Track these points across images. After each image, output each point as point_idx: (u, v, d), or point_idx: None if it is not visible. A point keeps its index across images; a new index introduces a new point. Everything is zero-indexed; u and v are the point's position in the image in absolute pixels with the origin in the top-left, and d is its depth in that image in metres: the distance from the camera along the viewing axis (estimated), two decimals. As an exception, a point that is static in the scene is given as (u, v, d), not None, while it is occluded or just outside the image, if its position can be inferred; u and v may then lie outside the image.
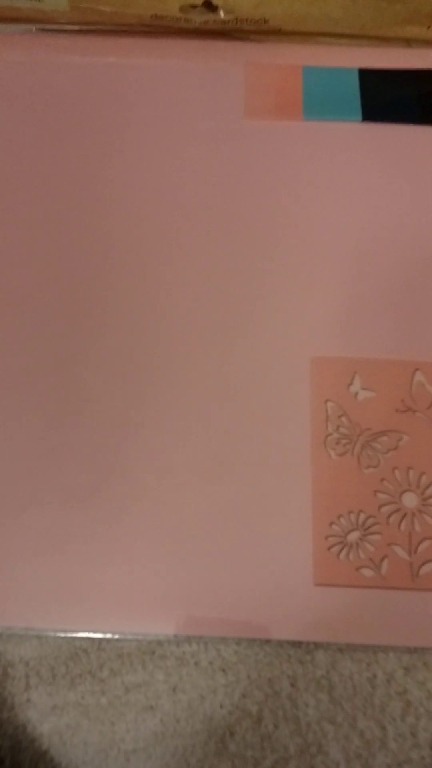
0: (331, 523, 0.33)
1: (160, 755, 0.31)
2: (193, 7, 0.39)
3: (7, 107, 0.40)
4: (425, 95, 0.39)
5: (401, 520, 0.33)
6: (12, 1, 0.39)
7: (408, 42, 0.41)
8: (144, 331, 0.36)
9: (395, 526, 0.33)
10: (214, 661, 0.32)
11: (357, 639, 0.32)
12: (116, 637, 0.32)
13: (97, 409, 0.35)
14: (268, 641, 0.32)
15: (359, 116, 0.39)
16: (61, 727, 0.31)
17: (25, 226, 0.38)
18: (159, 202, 0.38)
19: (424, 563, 0.32)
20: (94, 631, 0.32)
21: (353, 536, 0.33)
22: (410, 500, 0.33)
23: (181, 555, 0.33)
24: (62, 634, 0.32)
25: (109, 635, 0.32)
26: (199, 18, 0.39)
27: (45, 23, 0.41)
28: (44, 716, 0.32)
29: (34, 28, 0.41)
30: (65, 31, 0.41)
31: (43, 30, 0.41)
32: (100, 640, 0.32)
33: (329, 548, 0.32)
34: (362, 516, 0.33)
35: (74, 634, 0.32)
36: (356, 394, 0.35)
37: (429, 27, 0.39)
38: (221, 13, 0.39)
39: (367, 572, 0.32)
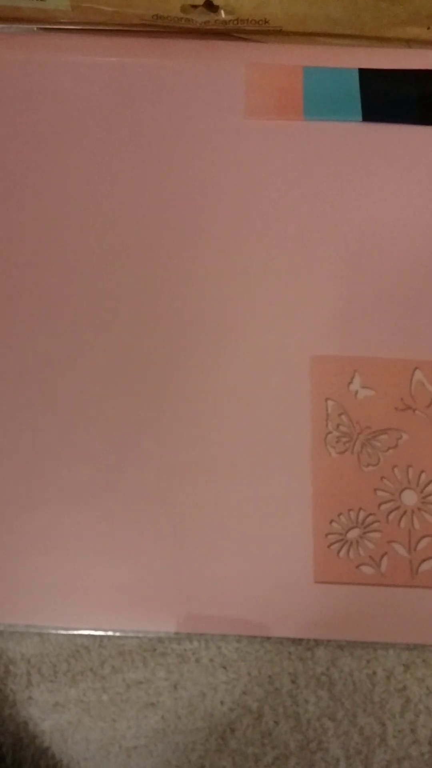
0: (331, 521, 0.33)
1: (161, 752, 0.31)
2: (194, 7, 0.39)
3: (8, 106, 0.40)
4: (425, 95, 0.40)
5: (401, 518, 0.33)
6: (14, 0, 0.39)
7: (408, 42, 0.41)
8: (145, 331, 0.36)
9: (395, 523, 0.33)
10: (215, 658, 0.32)
11: (357, 636, 0.32)
12: (117, 634, 0.32)
13: (97, 407, 0.35)
14: (268, 638, 0.32)
15: (359, 116, 0.39)
16: (62, 724, 0.32)
17: (26, 225, 0.38)
18: (160, 201, 0.38)
19: (423, 561, 0.32)
20: (96, 629, 0.32)
21: (353, 534, 0.33)
22: (410, 498, 0.33)
23: (181, 553, 0.33)
24: (63, 632, 0.32)
25: (110, 632, 0.32)
26: (200, 18, 0.39)
27: (46, 23, 0.41)
28: (46, 713, 0.32)
29: (35, 28, 0.41)
30: (67, 31, 0.41)
31: (44, 29, 0.41)
32: (101, 637, 0.32)
33: (329, 546, 0.33)
34: (362, 514, 0.33)
35: (75, 632, 0.32)
36: (356, 392, 0.35)
37: (429, 27, 0.40)
38: (222, 14, 0.39)
39: (367, 570, 0.32)
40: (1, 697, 0.32)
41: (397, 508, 0.33)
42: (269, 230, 0.38)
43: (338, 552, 0.33)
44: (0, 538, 0.33)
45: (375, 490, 0.33)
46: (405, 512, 0.33)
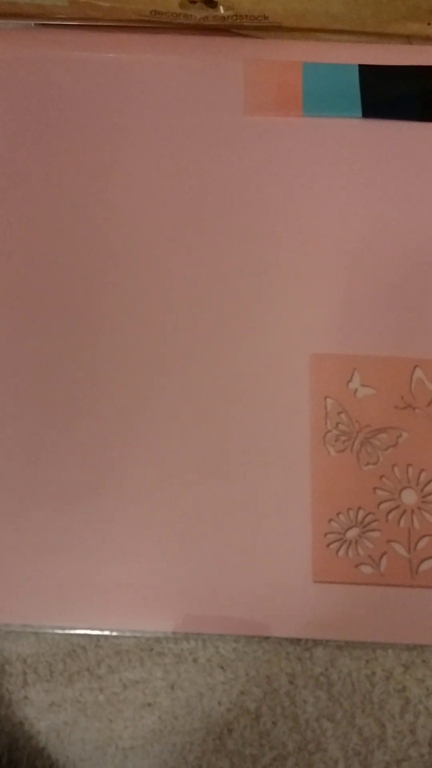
0: (330, 520, 0.33)
1: (158, 752, 0.31)
2: (193, 2, 0.38)
3: (6, 102, 0.40)
4: (425, 92, 0.39)
5: (400, 517, 0.33)
6: (11, -4, 0.39)
7: (408, 38, 0.40)
8: (142, 329, 0.36)
9: (394, 523, 0.33)
10: (213, 658, 0.32)
11: (356, 636, 0.32)
12: (114, 634, 0.32)
13: (95, 407, 0.35)
14: (266, 638, 0.32)
15: (359, 113, 0.39)
16: (58, 724, 0.31)
17: (24, 221, 0.38)
18: (158, 197, 0.38)
19: (423, 560, 0.32)
20: (92, 628, 0.32)
21: (352, 533, 0.33)
22: (409, 497, 0.33)
23: (179, 552, 0.32)
24: (60, 631, 0.32)
25: (107, 632, 0.32)
26: (198, 14, 0.39)
27: (44, 19, 0.41)
28: (42, 713, 0.31)
29: (33, 24, 0.41)
30: (64, 27, 0.41)
31: (42, 25, 0.41)
32: (98, 637, 0.32)
33: (328, 545, 0.32)
34: (361, 513, 0.33)
35: (72, 631, 0.32)
36: (355, 391, 0.35)
37: (429, 23, 0.39)
38: (221, 9, 0.39)
39: (366, 569, 0.32)
40: (-3, 697, 0.32)
41: (397, 507, 0.33)
42: (269, 228, 0.38)
43: (337, 551, 0.32)
44: (-4, 536, 0.33)
45: (374, 489, 0.33)
46: (404, 511, 0.33)
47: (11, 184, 0.38)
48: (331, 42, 0.41)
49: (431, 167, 0.39)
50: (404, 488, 0.33)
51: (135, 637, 0.32)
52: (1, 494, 0.33)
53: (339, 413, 0.34)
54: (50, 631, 0.32)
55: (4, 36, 0.41)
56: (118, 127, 0.39)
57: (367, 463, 0.33)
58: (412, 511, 0.33)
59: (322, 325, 0.36)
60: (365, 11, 0.39)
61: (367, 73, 0.40)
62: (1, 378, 0.35)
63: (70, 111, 0.40)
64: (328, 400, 0.34)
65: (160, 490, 0.33)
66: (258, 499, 0.33)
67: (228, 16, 0.39)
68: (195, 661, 0.32)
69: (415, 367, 0.35)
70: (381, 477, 0.33)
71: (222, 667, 0.32)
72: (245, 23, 0.40)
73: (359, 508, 0.33)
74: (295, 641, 0.32)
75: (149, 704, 0.31)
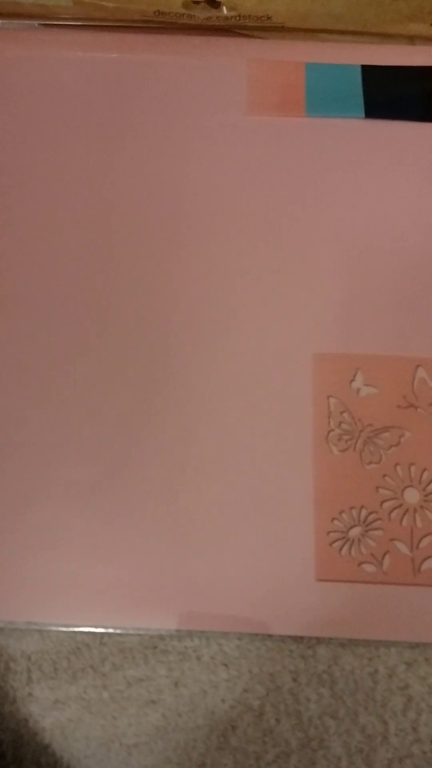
0: (333, 519, 0.33)
1: (162, 749, 0.31)
2: (197, 3, 0.39)
3: (9, 102, 0.40)
4: (428, 92, 0.39)
5: (403, 516, 0.33)
6: (15, -4, 0.39)
7: (411, 39, 0.41)
8: (145, 329, 0.36)
9: (397, 521, 0.33)
10: (216, 655, 0.32)
11: (359, 634, 0.32)
12: (118, 631, 0.32)
13: (99, 405, 0.35)
14: (269, 636, 0.32)
15: (362, 113, 0.39)
16: (62, 722, 0.32)
17: (27, 221, 0.38)
18: (161, 197, 0.38)
19: (425, 559, 0.32)
20: (96, 626, 0.32)
21: (355, 532, 0.33)
22: (412, 496, 0.33)
23: (183, 550, 0.33)
24: (64, 629, 0.32)
25: (110, 630, 0.32)
26: (202, 14, 0.39)
27: (48, 19, 0.41)
28: (46, 710, 0.32)
29: (36, 24, 0.41)
30: (68, 27, 0.41)
31: (45, 25, 0.41)
32: (101, 634, 0.32)
33: (331, 544, 0.33)
34: (364, 512, 0.33)
35: (76, 629, 0.32)
36: (358, 390, 0.35)
37: (432, 24, 0.39)
38: (224, 10, 0.39)
39: (369, 568, 0.32)
40: (2, 694, 0.32)
41: (400, 506, 0.33)
42: (271, 228, 0.38)
43: (340, 550, 0.32)
44: (0, 535, 0.33)
45: (377, 488, 0.33)
46: (407, 510, 0.33)
47: (15, 184, 0.38)
48: (334, 42, 0.41)
49: (434, 167, 0.39)
50: (407, 487, 0.33)
51: (139, 634, 0.32)
52: (5, 492, 0.33)
53: (342, 412, 0.34)
54: (54, 628, 0.32)
55: (8, 36, 0.41)
56: (122, 127, 0.39)
57: (370, 462, 0.34)
58: (415, 509, 0.33)
59: (325, 325, 0.36)
60: (368, 12, 0.39)
61: (370, 73, 0.40)
62: (2, 377, 0.35)
63: (73, 111, 0.40)
64: (331, 400, 0.35)
65: (164, 488, 0.33)
66: (261, 498, 0.33)
67: (231, 17, 0.39)
68: (198, 658, 0.32)
69: (418, 366, 0.35)
70: (384, 476, 0.33)
71: (225, 665, 0.32)
72: (248, 23, 0.40)
73: (362, 506, 0.33)
74: (298, 639, 0.32)
75: (153, 701, 0.32)
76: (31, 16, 0.41)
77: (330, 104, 0.40)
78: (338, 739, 0.31)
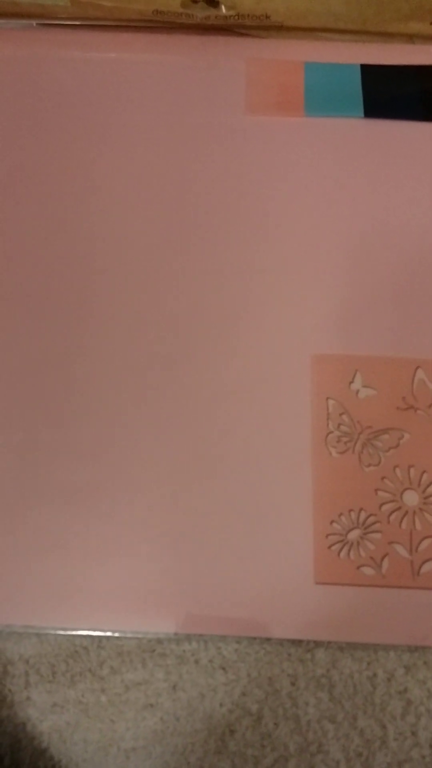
0: (332, 522, 0.33)
1: (160, 753, 0.31)
2: (195, 2, 0.38)
3: (7, 102, 0.40)
4: (428, 91, 0.39)
5: (402, 519, 0.33)
6: (12, -4, 0.39)
7: (410, 38, 0.40)
8: (145, 330, 0.36)
9: (396, 524, 0.33)
10: (215, 659, 0.32)
11: (357, 638, 0.32)
12: (116, 635, 0.32)
13: (96, 407, 0.35)
14: (268, 640, 0.32)
15: (361, 112, 0.39)
16: (60, 725, 0.31)
17: (26, 221, 0.38)
18: (159, 197, 0.38)
19: (424, 562, 0.32)
20: (94, 629, 0.32)
21: (354, 535, 0.33)
22: (411, 499, 0.33)
23: (181, 553, 0.32)
24: (62, 632, 0.32)
25: (109, 633, 0.32)
26: (200, 13, 0.39)
27: (46, 18, 0.41)
28: (44, 714, 0.32)
29: (34, 23, 0.41)
30: (66, 26, 0.41)
31: (43, 25, 0.41)
32: (100, 638, 0.32)
33: (330, 546, 0.32)
34: (363, 514, 0.33)
35: (74, 632, 0.32)
36: (357, 391, 0.34)
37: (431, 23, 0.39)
38: (223, 9, 0.39)
39: (368, 571, 0.32)
40: (0, 697, 0.32)
41: (399, 508, 0.33)
42: (270, 228, 0.37)
43: (339, 553, 0.32)
44: (-2, 538, 0.33)
45: (376, 490, 0.33)
46: (406, 513, 0.33)
47: (12, 183, 0.38)
48: (333, 41, 0.40)
49: (433, 167, 0.39)
50: (406, 489, 0.33)
51: (137, 638, 0.32)
52: (4, 495, 0.33)
53: (341, 414, 0.34)
54: (52, 632, 0.32)
55: (6, 35, 0.41)
56: (120, 127, 0.39)
57: (369, 465, 0.33)
58: (414, 512, 0.33)
59: (324, 326, 0.36)
60: (367, 11, 0.38)
61: (369, 72, 0.40)
62: (2, 378, 0.35)
63: (71, 110, 0.40)
64: (330, 401, 0.34)
65: (162, 491, 0.33)
66: (259, 501, 0.33)
67: (230, 16, 0.39)
68: (197, 662, 0.32)
69: (417, 368, 0.35)
70: (383, 478, 0.33)
71: (224, 669, 0.32)
72: (247, 23, 0.40)
73: (361, 509, 0.33)
74: (297, 642, 0.32)
75: (151, 705, 0.32)
76: (29, 16, 0.41)
77: (329, 104, 0.39)
78: (337, 744, 0.31)
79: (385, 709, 0.31)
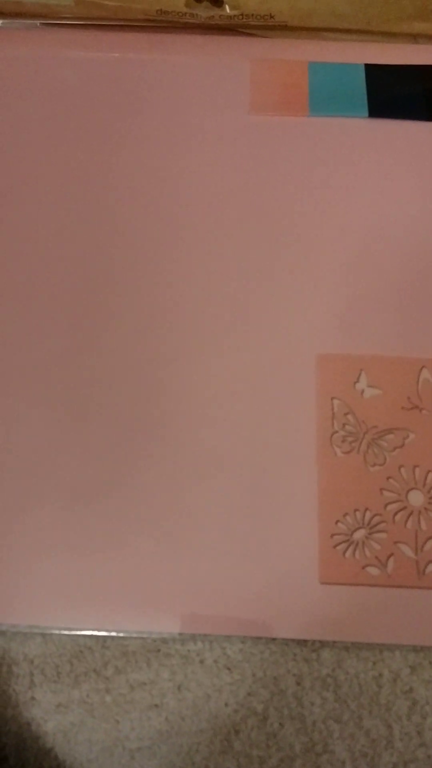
0: (337, 521, 0.33)
1: (165, 753, 0.31)
2: (199, 2, 0.38)
3: (11, 101, 0.40)
4: (432, 91, 0.39)
5: (407, 519, 0.33)
6: (16, -5, 0.39)
7: (415, 37, 0.40)
8: (148, 330, 0.36)
9: (401, 524, 0.33)
10: (219, 659, 0.32)
11: (363, 637, 0.32)
12: (121, 635, 0.32)
13: (101, 408, 0.35)
14: (273, 639, 0.32)
15: (365, 112, 0.39)
16: (65, 725, 0.31)
17: (28, 220, 0.38)
18: (164, 197, 0.38)
19: (430, 561, 0.32)
20: (99, 629, 0.32)
21: (359, 534, 0.33)
22: (416, 498, 0.33)
23: (186, 553, 0.32)
24: (67, 632, 0.32)
25: (113, 633, 0.32)
26: (204, 13, 0.39)
27: (49, 18, 0.41)
28: (49, 714, 0.31)
29: (38, 23, 0.41)
30: (70, 26, 0.41)
31: (47, 25, 0.41)
32: (104, 638, 0.32)
33: (335, 546, 0.32)
34: (368, 514, 0.33)
35: (79, 632, 0.32)
36: (362, 391, 0.34)
37: (436, 22, 0.39)
38: (227, 9, 0.39)
39: (373, 570, 0.32)
40: (4, 697, 0.32)
41: (404, 508, 0.33)
42: (274, 227, 0.37)
43: (344, 553, 0.32)
44: (2, 538, 0.33)
45: (381, 490, 0.33)
46: (411, 513, 0.33)
47: (17, 183, 0.38)
48: (337, 41, 0.40)
49: (438, 167, 0.39)
50: (411, 489, 0.33)
51: (142, 638, 0.32)
52: (8, 495, 0.33)
53: (346, 414, 0.34)
54: (57, 632, 0.32)
55: (10, 35, 0.41)
56: (124, 127, 0.39)
57: (374, 464, 0.33)
58: (419, 512, 0.33)
59: (329, 326, 0.36)
60: (371, 10, 0.39)
61: (374, 72, 0.40)
62: (4, 379, 0.35)
63: (75, 110, 0.40)
64: (335, 401, 0.34)
65: (168, 491, 0.33)
66: (265, 500, 0.33)
67: (234, 16, 0.39)
68: (202, 662, 0.32)
69: (423, 367, 0.35)
70: (388, 478, 0.33)
71: (229, 669, 0.32)
72: (251, 22, 0.40)
73: (366, 509, 0.33)
74: (302, 642, 0.32)
75: (156, 705, 0.31)
76: (32, 16, 0.41)
77: (333, 103, 0.39)
78: (342, 744, 0.31)
79: (391, 709, 0.31)
